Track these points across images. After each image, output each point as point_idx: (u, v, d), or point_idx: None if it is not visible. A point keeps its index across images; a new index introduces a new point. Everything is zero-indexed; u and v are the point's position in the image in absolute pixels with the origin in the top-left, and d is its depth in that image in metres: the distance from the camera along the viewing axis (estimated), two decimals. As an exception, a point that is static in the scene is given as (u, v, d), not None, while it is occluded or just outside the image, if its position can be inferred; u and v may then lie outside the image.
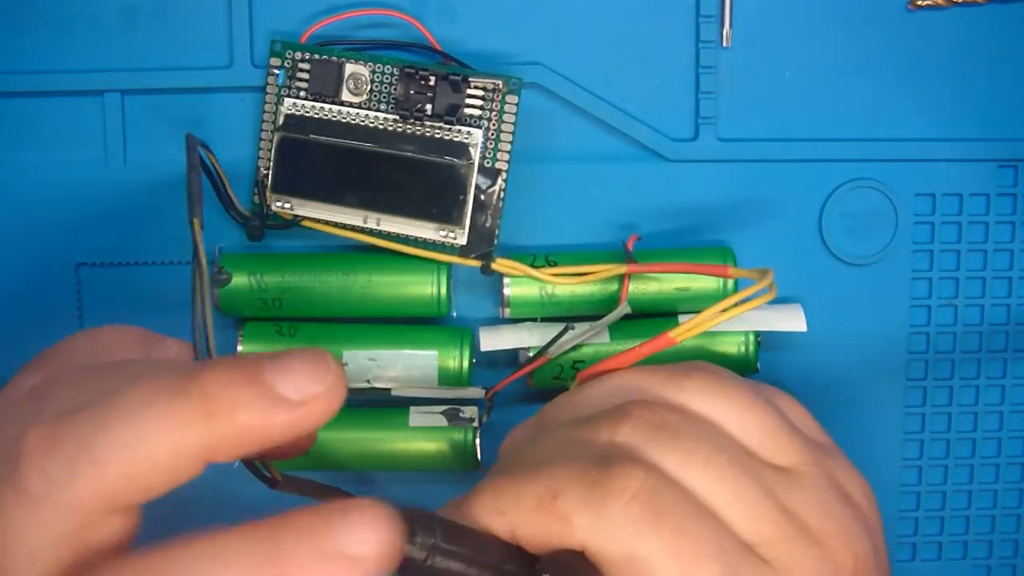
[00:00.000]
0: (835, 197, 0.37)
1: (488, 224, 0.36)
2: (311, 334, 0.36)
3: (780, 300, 0.36)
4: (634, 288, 0.36)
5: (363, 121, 0.35)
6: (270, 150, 0.35)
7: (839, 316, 0.38)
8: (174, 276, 0.37)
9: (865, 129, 0.37)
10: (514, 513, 0.26)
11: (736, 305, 0.31)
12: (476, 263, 0.36)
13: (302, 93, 0.35)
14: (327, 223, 0.35)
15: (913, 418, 0.39)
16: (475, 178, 0.35)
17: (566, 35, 0.37)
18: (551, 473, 0.26)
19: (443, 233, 0.35)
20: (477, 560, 0.25)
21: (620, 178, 0.37)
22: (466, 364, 0.36)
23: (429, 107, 0.35)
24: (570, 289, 0.36)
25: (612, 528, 0.25)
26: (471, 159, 0.34)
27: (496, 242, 0.36)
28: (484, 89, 0.35)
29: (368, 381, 0.36)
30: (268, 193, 0.35)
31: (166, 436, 0.20)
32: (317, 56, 0.35)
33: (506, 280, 0.36)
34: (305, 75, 0.35)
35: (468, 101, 0.35)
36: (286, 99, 0.35)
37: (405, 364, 0.36)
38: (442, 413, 0.36)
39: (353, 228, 0.35)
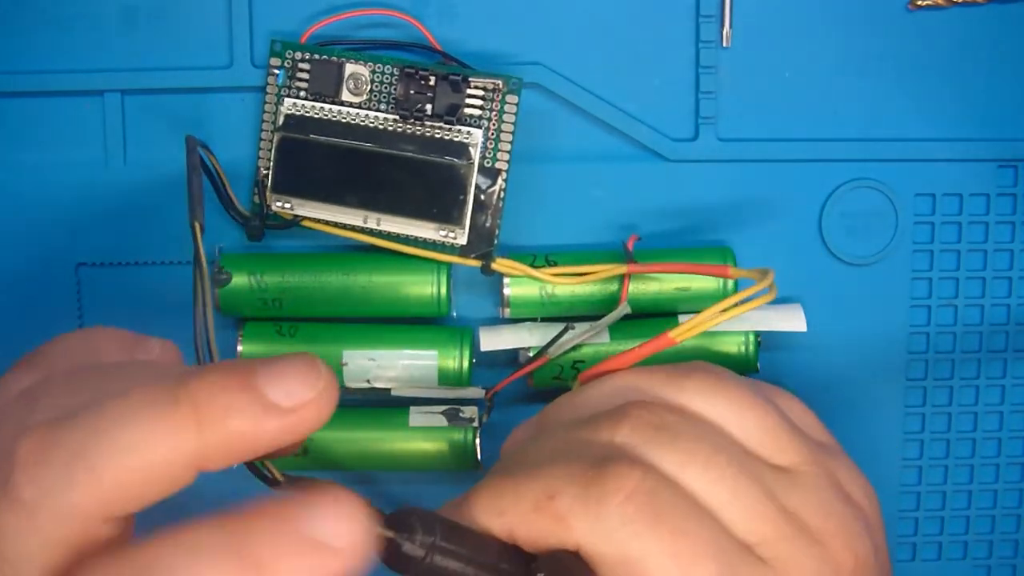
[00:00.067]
0: (835, 197, 0.37)
1: (488, 224, 0.36)
2: (311, 334, 0.36)
3: (780, 300, 0.36)
4: (634, 288, 0.36)
5: (363, 121, 0.35)
6: (270, 150, 0.35)
7: (839, 316, 0.38)
8: (174, 276, 0.37)
9: (865, 129, 0.37)
10: (512, 513, 0.26)
11: (736, 305, 0.31)
12: (476, 263, 0.36)
13: (302, 93, 0.35)
14: (327, 223, 0.35)
15: (913, 418, 0.39)
16: (475, 178, 0.35)
17: (566, 35, 0.37)
18: (548, 473, 0.26)
19: (443, 233, 0.35)
20: (475, 560, 0.25)
21: (620, 178, 0.37)
22: (466, 364, 0.36)
23: (429, 107, 0.35)
24: (570, 289, 0.36)
25: (608, 528, 0.25)
26: (471, 159, 0.34)
27: (496, 242, 0.36)
28: (484, 89, 0.35)
29: (368, 381, 0.36)
30: (268, 193, 0.35)
31: (159, 444, 0.20)
32: (317, 56, 0.35)
33: (506, 280, 0.36)
34: (305, 75, 0.35)
35: (468, 101, 0.35)
36: (286, 99, 0.35)
37: (405, 364, 0.36)
38: (442, 413, 0.36)
39: (353, 228, 0.35)
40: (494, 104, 0.35)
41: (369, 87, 0.35)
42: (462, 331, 0.36)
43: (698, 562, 0.25)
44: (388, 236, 0.35)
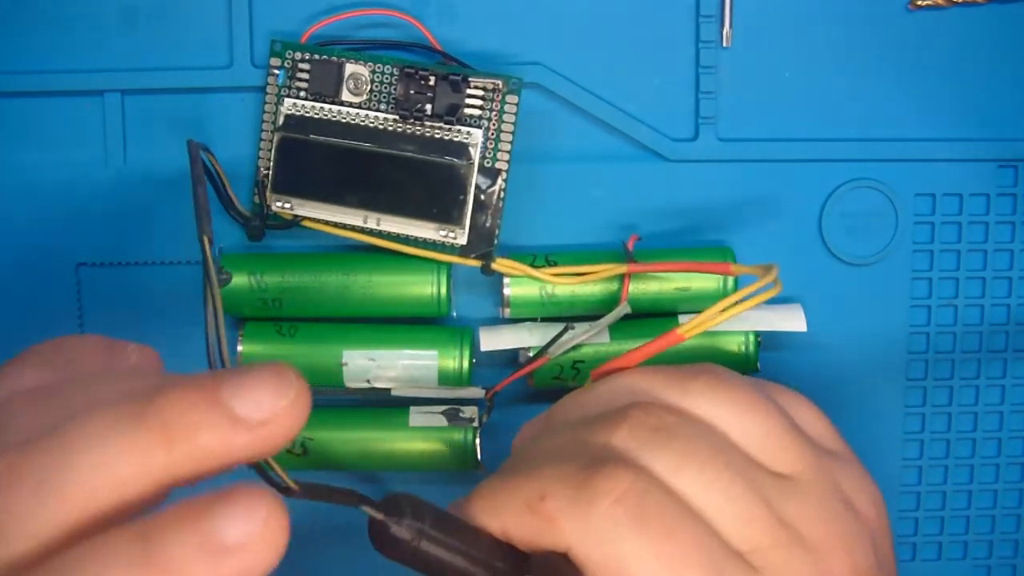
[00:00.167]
0: (835, 197, 0.37)
1: (488, 224, 0.36)
2: (311, 334, 0.36)
3: (780, 300, 0.36)
4: (634, 288, 0.36)
5: (363, 121, 0.35)
6: (270, 150, 0.35)
7: (839, 316, 0.38)
8: (174, 276, 0.37)
9: (865, 129, 0.37)
10: (507, 513, 0.26)
11: (744, 300, 0.30)
12: (476, 263, 0.36)
13: (302, 93, 0.35)
14: (327, 223, 0.35)
15: (913, 418, 0.39)
16: (475, 178, 0.35)
17: (566, 35, 0.37)
18: (543, 474, 0.26)
19: (443, 233, 0.35)
20: (466, 553, 0.25)
21: (620, 178, 0.37)
22: (466, 364, 0.36)
23: (429, 107, 0.35)
24: (570, 289, 0.36)
25: (597, 531, 0.25)
26: (471, 159, 0.34)
27: (496, 242, 0.36)
28: (484, 89, 0.35)
29: (368, 381, 0.36)
30: (268, 193, 0.35)
31: (127, 464, 0.20)
32: (317, 56, 0.35)
33: (506, 280, 0.36)
34: (305, 75, 0.35)
35: (468, 101, 0.35)
36: (286, 99, 0.35)
37: (405, 364, 0.36)
38: (442, 413, 0.36)
39: (353, 228, 0.35)
40: (494, 104, 0.35)
41: (369, 87, 0.35)
42: (462, 331, 0.36)
43: (685, 566, 0.24)
44: (388, 236, 0.35)
